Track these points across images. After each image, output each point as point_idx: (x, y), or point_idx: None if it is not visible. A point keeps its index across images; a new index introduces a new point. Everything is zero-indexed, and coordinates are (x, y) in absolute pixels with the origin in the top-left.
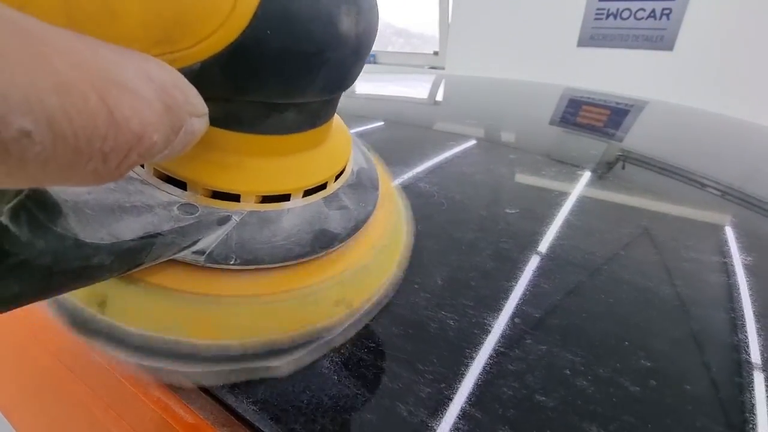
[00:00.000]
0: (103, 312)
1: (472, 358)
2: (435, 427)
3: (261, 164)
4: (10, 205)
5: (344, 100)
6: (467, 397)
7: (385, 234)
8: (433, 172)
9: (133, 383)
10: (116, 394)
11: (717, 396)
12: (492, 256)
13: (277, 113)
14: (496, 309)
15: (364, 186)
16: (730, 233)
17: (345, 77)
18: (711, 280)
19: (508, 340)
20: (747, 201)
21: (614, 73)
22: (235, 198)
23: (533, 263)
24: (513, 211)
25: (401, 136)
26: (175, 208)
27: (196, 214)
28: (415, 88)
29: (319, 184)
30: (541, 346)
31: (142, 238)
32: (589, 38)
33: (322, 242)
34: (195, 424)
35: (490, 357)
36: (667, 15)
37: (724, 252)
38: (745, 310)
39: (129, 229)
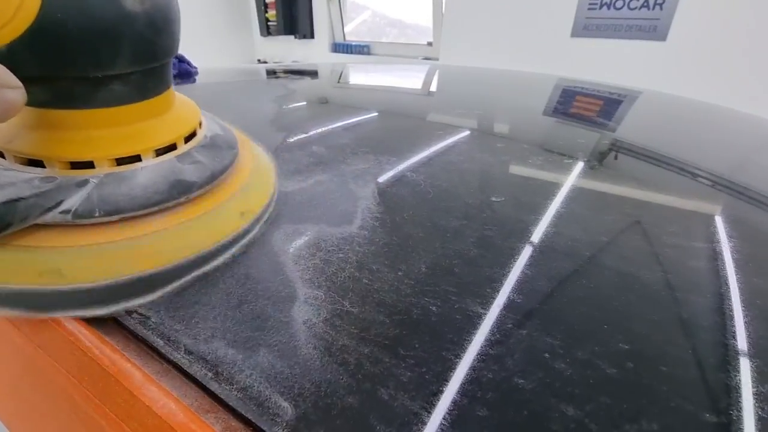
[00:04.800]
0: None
1: (454, 343)
2: (415, 410)
3: (107, 134)
4: None
5: (339, 91)
6: (448, 381)
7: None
8: (423, 162)
9: (116, 371)
10: (98, 382)
11: (691, 376)
12: (476, 243)
13: (103, 86)
14: (479, 295)
15: (219, 147)
16: (719, 221)
17: (151, 49)
18: (693, 265)
19: (489, 325)
20: (737, 191)
21: (608, 64)
22: (90, 165)
23: (517, 250)
24: (499, 200)
25: (394, 126)
26: (36, 180)
27: (56, 182)
28: (408, 78)
29: (168, 144)
30: (522, 330)
31: (4, 203)
32: (583, 28)
33: (179, 189)
34: (178, 411)
35: (472, 342)
36: (660, 5)
37: (711, 239)
38: (727, 295)
39: None
